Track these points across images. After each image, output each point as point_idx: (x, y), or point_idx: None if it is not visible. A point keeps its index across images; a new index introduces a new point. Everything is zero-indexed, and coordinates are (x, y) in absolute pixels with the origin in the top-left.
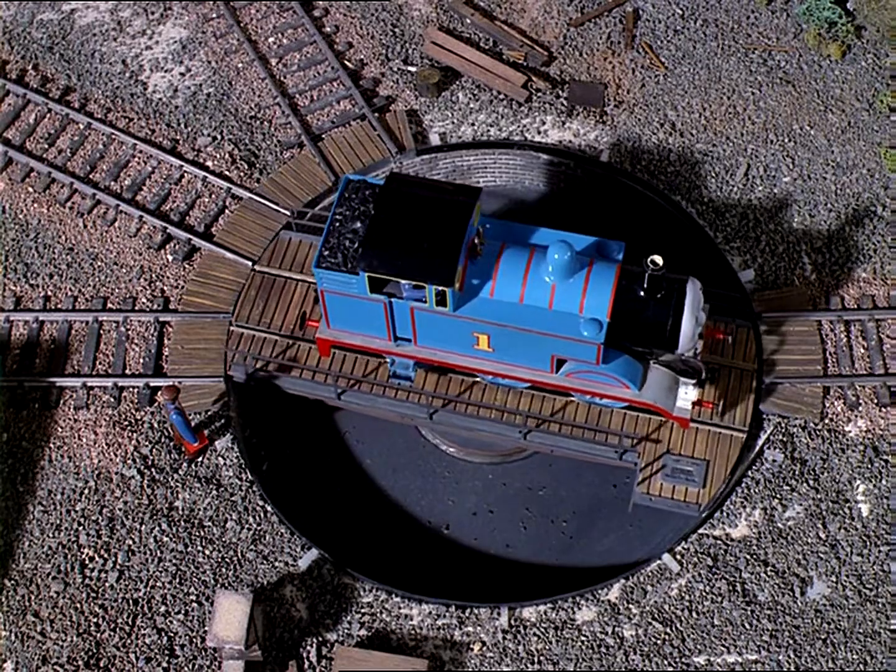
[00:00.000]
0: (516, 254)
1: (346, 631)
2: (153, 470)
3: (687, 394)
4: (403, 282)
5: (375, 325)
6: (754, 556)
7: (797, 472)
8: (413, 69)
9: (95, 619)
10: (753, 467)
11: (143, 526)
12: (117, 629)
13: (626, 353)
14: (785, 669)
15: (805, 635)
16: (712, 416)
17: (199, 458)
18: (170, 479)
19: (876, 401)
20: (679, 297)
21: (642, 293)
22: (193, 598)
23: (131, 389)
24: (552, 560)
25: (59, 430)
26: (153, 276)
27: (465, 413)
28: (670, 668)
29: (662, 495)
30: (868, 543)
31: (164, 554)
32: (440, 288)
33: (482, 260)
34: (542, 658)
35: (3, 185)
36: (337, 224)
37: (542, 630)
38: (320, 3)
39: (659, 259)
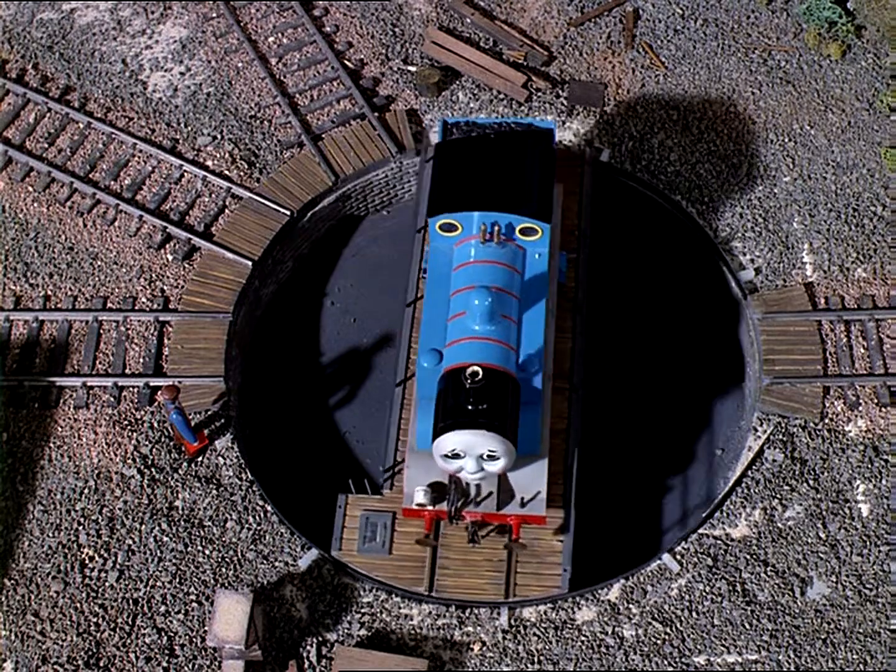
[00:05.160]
0: (491, 273)
1: (346, 631)
2: (153, 470)
3: (421, 492)
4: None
5: None
6: (754, 556)
7: (797, 472)
8: (413, 69)
9: (95, 619)
10: (753, 467)
11: (143, 526)
12: (117, 629)
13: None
14: (785, 669)
15: (805, 635)
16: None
17: (199, 458)
18: (170, 479)
19: (876, 401)
20: (468, 425)
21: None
22: (193, 597)
23: (131, 389)
24: None
25: (59, 429)
26: (153, 275)
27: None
28: (670, 668)
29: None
30: (868, 543)
31: (164, 554)
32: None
33: (486, 250)
34: (542, 658)
35: (2, 184)
36: (488, 125)
37: (542, 630)
38: (320, 2)
39: (479, 372)
